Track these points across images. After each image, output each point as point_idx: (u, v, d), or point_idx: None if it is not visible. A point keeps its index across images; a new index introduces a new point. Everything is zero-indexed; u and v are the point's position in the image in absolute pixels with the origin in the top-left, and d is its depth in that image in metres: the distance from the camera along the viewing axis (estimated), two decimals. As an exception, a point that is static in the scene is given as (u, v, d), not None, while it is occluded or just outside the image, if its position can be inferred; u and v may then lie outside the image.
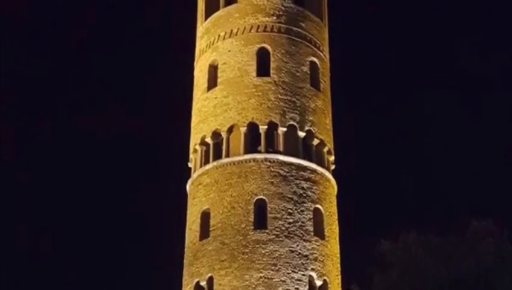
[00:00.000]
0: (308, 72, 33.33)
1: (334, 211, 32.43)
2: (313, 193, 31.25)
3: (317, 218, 31.03)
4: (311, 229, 30.43)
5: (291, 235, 29.90)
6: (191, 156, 33.56)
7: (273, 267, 29.26)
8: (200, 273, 30.29)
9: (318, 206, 31.21)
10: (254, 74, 32.57)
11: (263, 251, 29.50)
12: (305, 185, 31.12)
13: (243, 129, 31.62)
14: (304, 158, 31.63)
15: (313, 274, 29.83)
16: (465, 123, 59.71)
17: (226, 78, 32.91)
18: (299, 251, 29.81)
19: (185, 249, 32.09)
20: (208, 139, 32.43)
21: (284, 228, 29.94)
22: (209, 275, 29.93)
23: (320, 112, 33.08)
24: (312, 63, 33.70)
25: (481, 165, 54.49)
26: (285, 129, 31.62)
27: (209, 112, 32.85)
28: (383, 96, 60.30)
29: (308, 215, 30.63)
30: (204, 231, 30.98)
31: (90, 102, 62.42)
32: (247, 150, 31.41)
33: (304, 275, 29.55)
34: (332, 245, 31.40)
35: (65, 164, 57.88)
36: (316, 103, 33.05)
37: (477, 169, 54.07)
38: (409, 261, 31.77)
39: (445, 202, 49.65)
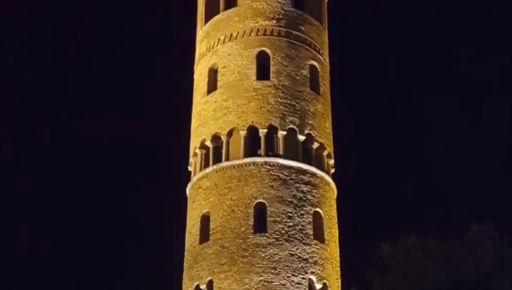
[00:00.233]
0: (308, 75, 33.38)
1: (334, 215, 32.46)
2: (313, 196, 31.28)
3: (317, 221, 31.06)
4: (311, 233, 30.47)
5: (291, 239, 29.93)
6: (191, 159, 33.59)
7: (272, 271, 29.29)
8: (200, 277, 30.32)
9: (318, 209, 31.24)
10: (254, 77, 32.62)
11: (263, 255, 29.52)
12: (304, 188, 31.16)
13: (243, 133, 31.66)
14: (303, 162, 31.68)
15: (313, 278, 29.86)
16: (465, 127, 59.70)
17: (225, 81, 32.96)
18: (299, 254, 29.84)
19: (185, 253, 32.11)
20: (208, 143, 32.47)
21: (283, 232, 29.96)
22: (209, 278, 29.95)
23: (320, 116, 33.12)
24: (312, 66, 33.75)
25: (481, 168, 54.51)
26: (285, 133, 31.66)
27: (209, 116, 32.89)
28: (383, 100, 60.33)
29: (308, 219, 30.66)
30: (204, 235, 31.01)
31: (90, 105, 62.49)
32: (247, 154, 31.44)
33: (303, 278, 29.57)
34: (332, 249, 31.43)
35: (65, 167, 57.87)
36: (316, 106, 33.09)
37: (477, 173, 54.07)
38: (409, 264, 31.76)
39: (445, 206, 49.66)
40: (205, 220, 31.27)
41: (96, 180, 56.37)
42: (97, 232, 53.97)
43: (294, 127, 31.89)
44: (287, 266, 29.46)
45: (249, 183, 30.75)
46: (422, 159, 56.32)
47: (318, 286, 29.93)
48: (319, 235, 30.82)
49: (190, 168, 33.74)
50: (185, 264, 31.87)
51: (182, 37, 41.85)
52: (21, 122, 61.76)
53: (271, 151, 31.64)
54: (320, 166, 32.37)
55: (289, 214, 30.33)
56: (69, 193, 56.01)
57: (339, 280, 31.51)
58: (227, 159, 31.64)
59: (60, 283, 50.98)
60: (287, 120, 31.86)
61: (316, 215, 31.11)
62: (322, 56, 34.60)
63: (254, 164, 31.09)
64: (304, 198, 30.95)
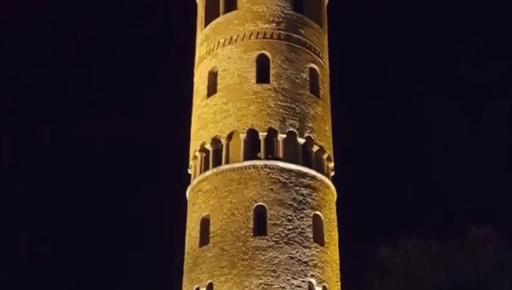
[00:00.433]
0: (308, 78, 33.40)
1: (334, 218, 32.46)
2: (313, 199, 31.29)
3: (317, 224, 31.06)
4: (311, 236, 30.46)
5: (291, 242, 29.94)
6: (191, 162, 33.61)
7: (272, 274, 29.29)
8: (199, 280, 30.32)
9: (318, 212, 31.24)
10: (254, 80, 32.64)
11: (263, 258, 29.52)
12: (304, 191, 31.17)
13: (243, 136, 31.68)
14: (303, 165, 31.68)
15: (313, 280, 29.85)
16: (465, 130, 59.84)
17: (225, 84, 32.99)
18: (299, 257, 29.84)
19: (185, 256, 32.12)
20: (208, 146, 32.49)
21: (283, 235, 29.97)
22: (209, 281, 29.95)
23: (319, 119, 33.15)
24: (312, 69, 33.78)
25: (480, 171, 54.54)
26: (284, 136, 31.68)
27: (208, 119, 32.91)
28: (383, 103, 60.40)
29: (308, 222, 30.66)
30: (204, 238, 31.02)
31: (90, 107, 62.49)
32: (247, 157, 31.46)
33: (303, 281, 29.57)
34: (332, 251, 31.43)
35: (64, 169, 57.93)
36: (316, 109, 33.12)
37: (477, 176, 54.13)
38: (409, 267, 31.84)
39: (445, 209, 49.68)
40: (205, 223, 31.29)
41: (96, 183, 56.45)
42: (97, 234, 54.05)
43: (294, 130, 31.91)
44: (287, 269, 29.46)
45: (249, 186, 30.77)
46: (422, 162, 56.41)
47: (318, 288, 29.91)
48: (318, 238, 30.83)
49: (190, 171, 33.77)
50: (184, 267, 31.88)
51: (182, 40, 41.98)
52: (21, 123, 61.94)
53: (271, 154, 31.66)
54: (320, 169, 32.39)
55: (289, 217, 30.33)
56: (69, 195, 56.10)
57: (339, 283, 31.50)
58: (227, 162, 31.66)
59: (60, 286, 51.04)
60: (286, 123, 31.88)
61: (316, 218, 31.11)
62: (321, 59, 34.64)
63: (254, 167, 31.11)
64: (304, 201, 30.96)
